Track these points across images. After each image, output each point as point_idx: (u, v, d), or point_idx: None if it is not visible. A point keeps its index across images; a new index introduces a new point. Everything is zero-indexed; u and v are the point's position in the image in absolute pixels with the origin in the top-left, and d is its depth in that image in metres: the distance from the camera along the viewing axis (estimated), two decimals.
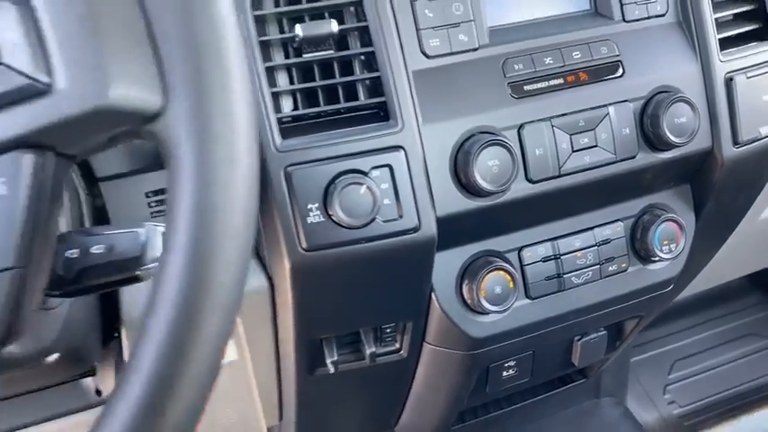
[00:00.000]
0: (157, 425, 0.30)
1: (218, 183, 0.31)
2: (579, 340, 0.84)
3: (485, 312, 0.69)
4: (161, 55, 0.31)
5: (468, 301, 0.69)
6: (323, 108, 0.62)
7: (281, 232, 0.61)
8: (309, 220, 0.60)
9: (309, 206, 0.60)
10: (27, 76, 0.29)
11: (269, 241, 0.63)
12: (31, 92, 0.29)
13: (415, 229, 0.62)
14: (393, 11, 0.62)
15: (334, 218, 0.59)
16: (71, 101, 0.30)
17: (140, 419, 0.30)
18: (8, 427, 0.66)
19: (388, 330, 0.74)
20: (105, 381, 0.68)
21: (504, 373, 0.83)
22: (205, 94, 0.31)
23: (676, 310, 1.28)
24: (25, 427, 0.69)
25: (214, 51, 0.31)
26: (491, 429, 0.99)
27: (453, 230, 0.65)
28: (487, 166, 0.62)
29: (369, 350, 0.72)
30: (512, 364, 0.82)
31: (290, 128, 0.61)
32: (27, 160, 0.30)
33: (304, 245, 0.60)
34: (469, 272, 0.69)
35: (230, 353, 0.66)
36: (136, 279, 0.47)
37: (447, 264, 0.68)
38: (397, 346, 0.75)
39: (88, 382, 0.69)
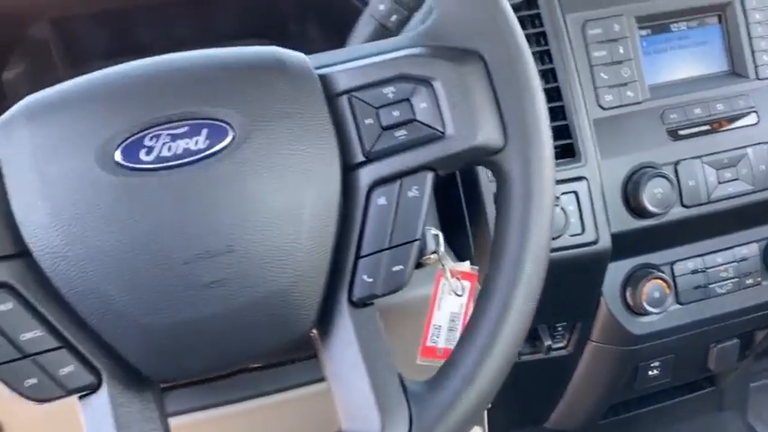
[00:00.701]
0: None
1: (535, 197, 0.49)
2: (715, 346, 0.98)
3: (645, 313, 0.85)
4: (502, 113, 0.50)
5: (631, 304, 0.85)
6: None
7: None
8: None
9: None
10: (431, 128, 0.49)
11: (480, 248, 0.82)
12: (434, 137, 0.49)
13: (594, 242, 0.80)
14: (578, 75, 0.81)
15: None
16: (456, 142, 0.49)
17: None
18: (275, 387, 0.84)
19: (560, 329, 0.91)
20: None
21: (650, 373, 0.98)
22: (529, 141, 0.49)
23: None
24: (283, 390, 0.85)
25: (534, 113, 0.50)
26: (632, 428, 1.13)
27: (621, 245, 0.82)
28: (653, 193, 0.79)
29: (546, 343, 0.89)
30: (657, 364, 0.97)
31: None
32: (429, 177, 0.49)
33: None
34: (633, 279, 0.85)
35: None
36: (420, 265, 0.67)
37: (614, 273, 0.85)
38: (565, 342, 0.92)
39: None
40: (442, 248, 0.66)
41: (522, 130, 0.50)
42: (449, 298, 0.67)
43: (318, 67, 0.49)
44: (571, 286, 0.84)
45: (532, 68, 0.51)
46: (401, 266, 0.48)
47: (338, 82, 0.48)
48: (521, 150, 0.50)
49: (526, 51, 0.51)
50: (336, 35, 0.73)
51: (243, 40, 0.90)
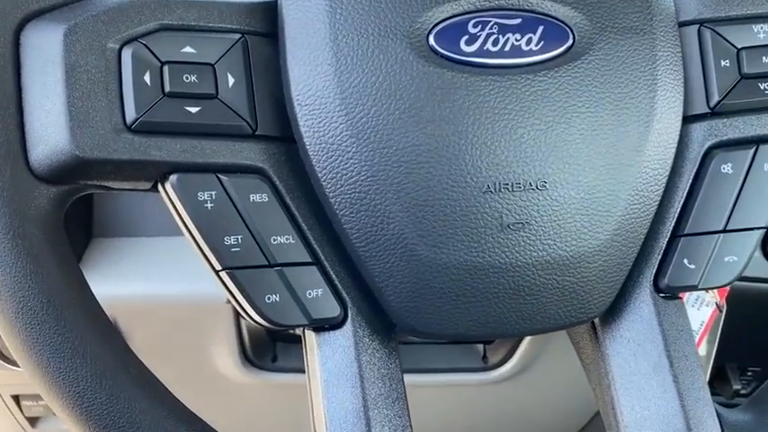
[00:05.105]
0: None
1: None
2: None
3: None
4: None
5: None
6: None
7: None
8: None
9: None
10: None
11: None
12: None
13: None
14: None
15: None
16: None
17: None
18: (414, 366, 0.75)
19: (749, 374, 0.77)
20: (496, 352, 0.76)
21: None
22: None
23: None
24: (423, 372, 0.76)
25: None
26: None
27: None
28: None
29: (734, 386, 0.76)
30: None
31: None
32: None
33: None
34: None
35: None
36: None
37: None
38: (751, 390, 0.79)
39: (479, 347, 0.77)
40: None
41: None
42: (690, 310, 0.55)
43: None
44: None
45: None
46: (735, 258, 0.37)
47: (690, 7, 0.37)
48: None
49: None
50: None
51: None
